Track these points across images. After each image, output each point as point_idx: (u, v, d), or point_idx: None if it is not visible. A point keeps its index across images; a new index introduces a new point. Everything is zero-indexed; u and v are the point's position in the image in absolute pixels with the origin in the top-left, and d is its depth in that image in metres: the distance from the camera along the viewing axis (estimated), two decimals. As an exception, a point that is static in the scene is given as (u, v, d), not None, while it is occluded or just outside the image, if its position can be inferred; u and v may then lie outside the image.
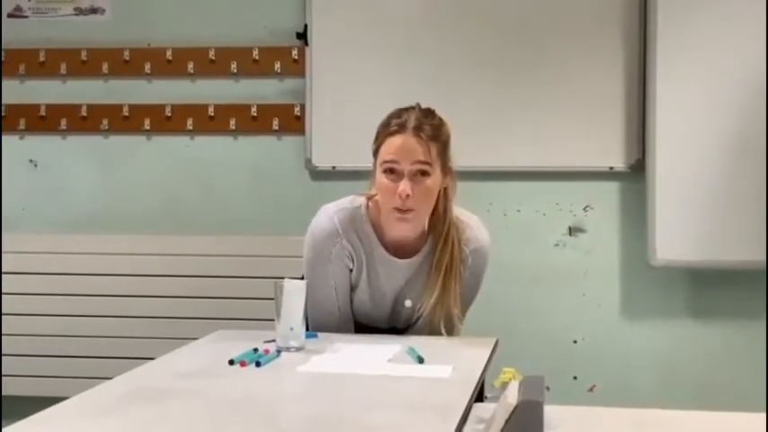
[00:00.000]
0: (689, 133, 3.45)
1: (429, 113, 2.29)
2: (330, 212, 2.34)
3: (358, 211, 2.33)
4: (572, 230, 3.71)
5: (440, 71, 3.66)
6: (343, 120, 3.70)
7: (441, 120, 2.30)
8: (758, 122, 3.39)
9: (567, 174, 3.66)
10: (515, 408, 1.43)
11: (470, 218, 2.40)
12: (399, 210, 2.21)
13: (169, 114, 3.83)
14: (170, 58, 3.82)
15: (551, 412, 1.54)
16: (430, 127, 2.25)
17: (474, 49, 3.65)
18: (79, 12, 3.88)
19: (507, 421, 1.42)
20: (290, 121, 3.77)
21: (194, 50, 3.81)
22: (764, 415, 1.61)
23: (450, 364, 1.96)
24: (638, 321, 3.68)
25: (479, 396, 1.92)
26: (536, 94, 3.62)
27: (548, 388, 1.58)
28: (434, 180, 2.23)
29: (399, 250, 2.33)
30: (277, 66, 3.77)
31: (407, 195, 2.19)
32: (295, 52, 3.75)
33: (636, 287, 3.68)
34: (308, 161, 3.74)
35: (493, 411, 1.55)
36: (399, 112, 2.28)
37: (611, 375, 3.68)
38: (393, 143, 2.23)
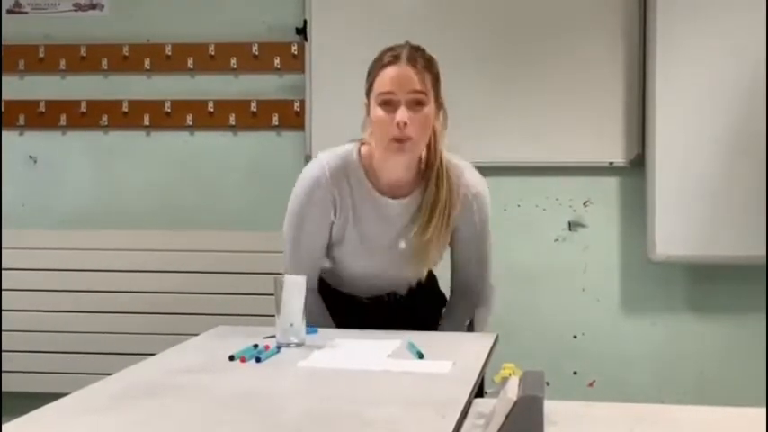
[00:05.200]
0: (689, 128, 3.45)
1: (420, 48, 2.31)
2: (322, 160, 2.35)
3: (350, 157, 2.34)
4: (572, 225, 3.71)
5: (439, 66, 3.64)
6: (342, 115, 3.66)
7: (431, 55, 2.32)
8: (758, 118, 3.39)
9: (566, 169, 3.66)
10: (515, 403, 1.42)
11: (461, 161, 2.40)
12: (397, 139, 2.21)
13: (169, 110, 3.83)
14: (169, 53, 3.82)
15: (551, 407, 1.54)
16: (423, 59, 2.28)
17: (474, 44, 3.65)
18: (78, 7, 3.88)
19: (507, 416, 1.42)
20: (290, 116, 3.77)
21: (194, 46, 3.81)
22: (764, 410, 1.61)
23: (449, 359, 1.96)
24: (638, 316, 3.69)
25: (479, 391, 1.92)
26: (536, 89, 3.63)
27: (548, 383, 1.58)
28: (430, 109, 2.25)
29: (393, 192, 2.32)
30: (277, 61, 3.77)
31: (405, 123, 2.19)
32: (294, 48, 3.75)
33: (635, 282, 3.68)
34: (308, 157, 3.73)
35: (493, 407, 1.55)
36: (391, 48, 2.29)
37: (610, 370, 3.68)
38: (388, 74, 2.25)
